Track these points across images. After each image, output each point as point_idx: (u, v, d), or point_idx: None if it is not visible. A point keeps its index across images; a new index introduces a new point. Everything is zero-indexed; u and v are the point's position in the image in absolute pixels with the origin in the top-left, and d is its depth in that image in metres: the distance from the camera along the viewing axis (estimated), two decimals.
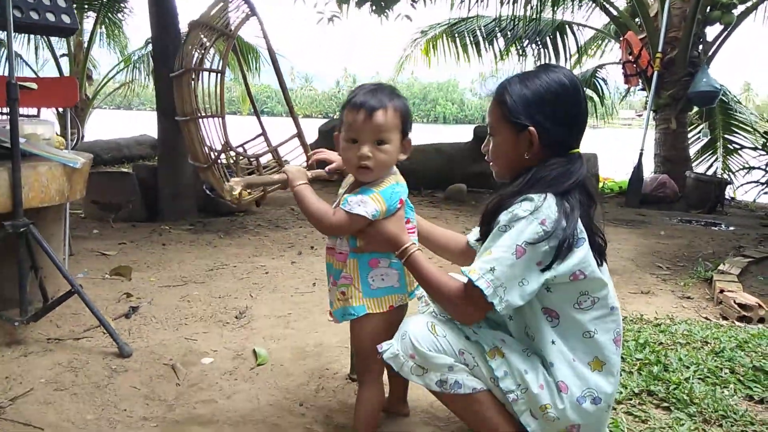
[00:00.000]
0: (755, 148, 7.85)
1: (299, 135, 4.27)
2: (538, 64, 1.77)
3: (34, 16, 2.23)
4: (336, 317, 1.71)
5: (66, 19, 2.38)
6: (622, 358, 2.25)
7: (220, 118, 4.03)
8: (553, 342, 1.47)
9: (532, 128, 1.49)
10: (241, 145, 4.34)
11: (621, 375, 2.10)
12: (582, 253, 1.43)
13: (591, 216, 1.49)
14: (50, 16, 2.29)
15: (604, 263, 1.53)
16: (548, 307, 1.49)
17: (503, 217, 1.43)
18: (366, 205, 1.55)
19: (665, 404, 1.94)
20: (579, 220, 1.43)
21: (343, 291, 1.67)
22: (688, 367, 2.16)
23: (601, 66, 10.01)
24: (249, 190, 4.25)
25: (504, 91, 1.55)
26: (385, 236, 1.59)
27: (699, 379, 2.09)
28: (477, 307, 1.44)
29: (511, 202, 1.45)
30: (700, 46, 8.05)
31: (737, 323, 2.86)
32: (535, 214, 1.40)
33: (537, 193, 1.43)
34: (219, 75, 4.02)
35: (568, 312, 1.48)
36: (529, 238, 1.38)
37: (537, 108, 1.50)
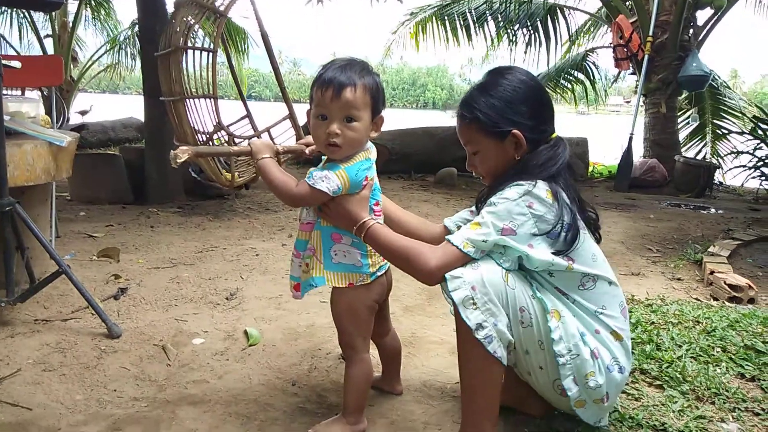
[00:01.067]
0: (743, 133, 7.89)
1: (291, 116, 4.23)
2: (495, 67, 1.75)
3: None
4: (299, 292, 1.72)
5: None
6: None
7: (212, 99, 3.98)
8: (575, 315, 1.53)
9: (515, 131, 1.57)
10: (226, 127, 4.29)
11: None
12: (577, 240, 1.51)
13: (579, 192, 1.58)
14: None
15: (598, 236, 1.63)
16: (558, 287, 1.55)
17: (494, 199, 1.51)
18: (329, 180, 1.54)
19: (658, 382, 1.94)
20: (570, 203, 1.51)
21: (307, 262, 1.68)
22: (680, 346, 2.17)
23: (591, 50, 9.99)
24: (238, 173, 4.22)
25: (472, 109, 1.60)
26: (343, 213, 1.60)
27: (691, 357, 2.10)
28: (447, 262, 1.48)
29: (502, 187, 1.52)
30: (691, 31, 8.05)
31: (728, 303, 2.87)
32: (524, 197, 1.47)
33: (527, 180, 1.50)
34: (211, 54, 3.96)
35: (575, 293, 1.54)
36: (516, 219, 1.46)
37: (512, 111, 1.57)
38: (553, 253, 1.48)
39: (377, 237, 1.58)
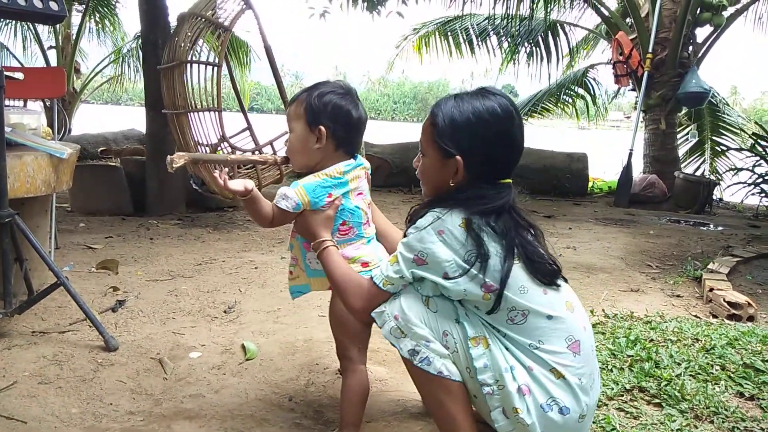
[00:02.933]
0: (742, 150, 7.91)
1: None
2: (479, 88, 1.72)
3: (21, 2, 2.18)
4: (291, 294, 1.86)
5: (53, 6, 2.32)
6: (612, 354, 2.25)
7: (217, 112, 4.00)
8: (507, 348, 1.45)
9: (458, 157, 1.49)
10: (229, 140, 4.30)
11: (612, 371, 2.11)
12: (495, 271, 1.42)
13: (528, 240, 1.49)
14: (37, 3, 2.23)
15: (556, 284, 1.49)
16: (488, 322, 1.47)
17: (409, 228, 1.50)
18: (287, 199, 1.65)
19: (657, 400, 1.93)
20: (501, 241, 1.43)
21: (291, 270, 1.85)
22: (679, 364, 2.16)
23: (592, 66, 10.04)
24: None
25: (438, 112, 1.53)
26: (306, 229, 1.69)
27: (690, 375, 2.09)
28: (370, 302, 1.54)
29: (421, 214, 1.50)
30: (690, 48, 8.11)
31: (727, 321, 2.86)
32: (434, 224, 1.44)
33: (443, 208, 1.46)
34: (216, 68, 3.98)
35: (504, 327, 1.46)
36: (426, 248, 1.43)
37: (466, 136, 1.49)
38: (467, 276, 1.42)
39: (326, 261, 1.64)
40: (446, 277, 1.44)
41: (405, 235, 1.52)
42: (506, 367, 1.41)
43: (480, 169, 1.50)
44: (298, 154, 1.73)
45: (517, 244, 1.45)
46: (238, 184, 1.64)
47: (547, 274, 1.48)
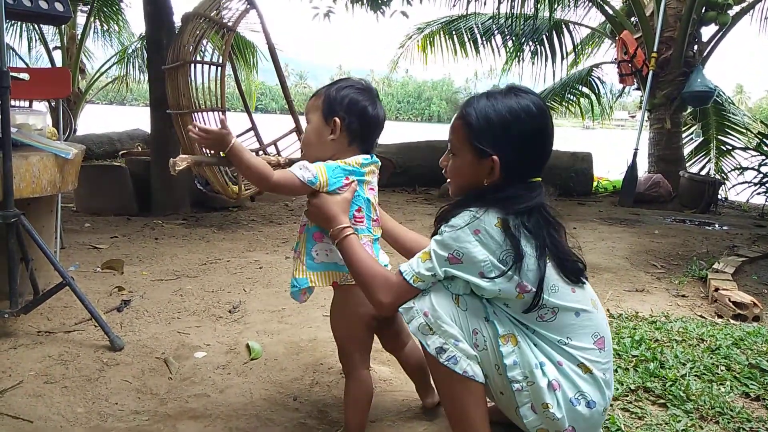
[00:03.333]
0: (747, 149, 7.87)
1: (297, 129, 4.25)
2: (508, 84, 1.67)
3: (27, 3, 2.19)
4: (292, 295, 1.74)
5: (59, 6, 2.34)
6: (617, 354, 2.24)
7: (220, 112, 4.01)
8: (536, 345, 1.47)
9: (495, 157, 1.48)
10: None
11: (617, 372, 2.10)
12: (529, 271, 1.43)
13: (558, 239, 1.49)
14: (43, 4, 2.25)
15: (582, 282, 1.52)
16: (517, 319, 1.49)
17: (444, 226, 1.48)
18: (305, 170, 1.61)
19: (662, 401, 1.93)
20: (533, 241, 1.44)
21: (294, 266, 1.73)
22: (684, 364, 2.15)
23: (596, 65, 10.02)
24: (244, 185, 4.23)
25: (472, 111, 1.52)
26: (323, 212, 1.62)
27: (695, 376, 2.08)
28: (399, 297, 1.50)
29: (455, 213, 1.48)
30: (695, 47, 8.07)
31: (732, 321, 2.85)
32: (471, 224, 1.43)
33: (479, 207, 1.46)
34: (219, 68, 3.99)
35: (534, 324, 1.47)
36: (462, 247, 1.43)
37: (503, 136, 1.48)
38: (505, 277, 1.43)
39: (348, 250, 1.58)
40: (482, 277, 1.44)
41: (438, 233, 1.50)
42: (536, 363, 1.43)
43: (515, 168, 1.50)
44: (312, 146, 1.71)
45: (548, 243, 1.46)
46: (217, 140, 1.60)
47: (575, 272, 1.50)
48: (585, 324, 1.47)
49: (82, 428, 1.75)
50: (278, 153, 4.21)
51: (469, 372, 1.45)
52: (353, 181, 1.66)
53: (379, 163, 1.79)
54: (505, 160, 1.48)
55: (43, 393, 1.94)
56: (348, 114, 1.67)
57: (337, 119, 1.66)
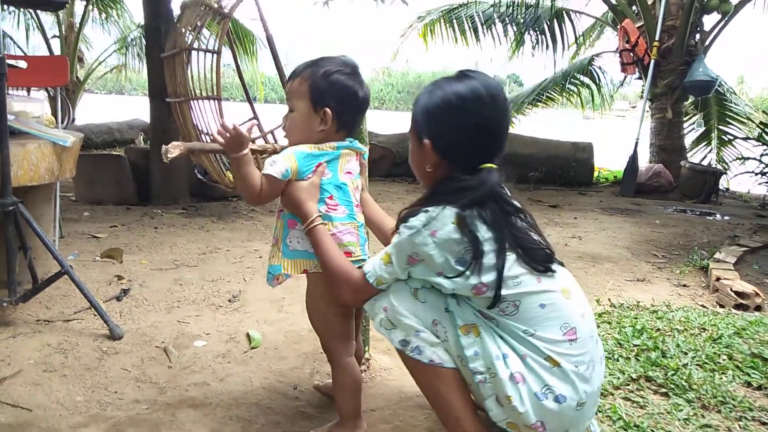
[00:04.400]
0: (749, 139, 7.84)
1: None
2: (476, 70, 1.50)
3: None
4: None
5: None
6: (618, 343, 2.24)
7: (216, 100, 3.98)
8: (501, 337, 1.42)
9: (426, 141, 1.48)
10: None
11: (618, 361, 2.09)
12: (489, 267, 1.38)
13: (519, 228, 1.44)
14: None
15: (552, 270, 1.44)
16: (480, 310, 1.44)
17: (402, 227, 1.45)
18: (275, 164, 1.56)
19: (663, 390, 1.92)
20: (492, 234, 1.39)
21: (271, 253, 1.70)
22: (686, 353, 2.15)
23: (597, 54, 9.96)
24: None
25: (417, 100, 1.53)
26: (292, 199, 1.59)
27: (697, 365, 2.07)
28: (361, 296, 1.52)
29: (412, 212, 1.45)
30: (697, 35, 8.01)
31: (734, 311, 2.85)
32: (428, 225, 1.40)
33: (435, 206, 1.42)
34: (215, 55, 3.96)
35: (497, 315, 1.42)
36: (420, 249, 1.40)
37: (434, 120, 1.48)
38: (462, 278, 1.39)
39: (314, 241, 1.58)
40: (441, 276, 1.42)
41: (398, 234, 1.47)
42: (498, 355, 1.39)
43: (456, 155, 1.48)
44: (298, 134, 1.64)
45: (508, 234, 1.41)
46: (235, 139, 1.55)
47: (542, 260, 1.44)
48: (552, 316, 1.40)
49: (81, 417, 1.75)
50: (275, 141, 4.18)
51: (436, 359, 1.44)
52: (321, 165, 1.61)
53: (363, 150, 1.73)
54: (439, 145, 1.47)
55: (42, 382, 1.94)
56: (339, 103, 1.60)
57: (329, 110, 1.59)
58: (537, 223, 1.53)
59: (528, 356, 1.38)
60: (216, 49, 3.98)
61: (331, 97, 1.59)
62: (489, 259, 1.38)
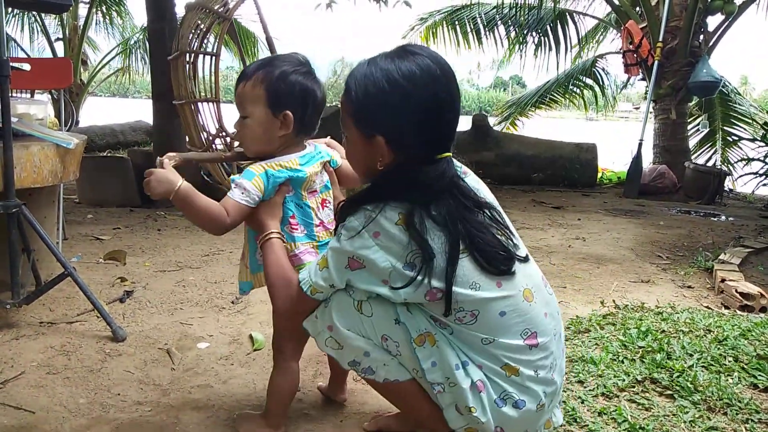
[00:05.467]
0: (754, 140, 7.81)
1: None
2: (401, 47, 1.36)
3: None
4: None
5: None
6: (624, 345, 2.22)
7: (215, 102, 3.99)
8: (456, 345, 1.33)
9: (379, 137, 1.30)
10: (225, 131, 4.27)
11: (623, 363, 2.08)
12: (440, 271, 1.26)
13: (476, 225, 1.30)
14: None
15: (511, 272, 1.32)
16: (435, 317, 1.33)
17: (341, 228, 1.33)
18: (247, 193, 1.50)
19: (669, 392, 1.91)
20: (443, 235, 1.26)
21: (240, 268, 1.71)
22: (691, 355, 2.13)
23: (601, 56, 9.94)
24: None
25: (351, 83, 1.31)
26: (254, 218, 1.55)
27: (702, 367, 2.06)
28: (296, 307, 1.43)
29: (351, 211, 1.31)
30: (701, 36, 7.99)
31: (739, 312, 2.83)
32: (369, 227, 1.26)
33: (375, 203, 1.28)
34: (214, 58, 3.97)
35: (453, 324, 1.31)
36: (361, 255, 1.28)
37: (383, 111, 1.28)
38: (412, 286, 1.27)
39: (265, 253, 1.51)
40: (386, 285, 1.28)
41: (336, 237, 1.33)
42: (457, 364, 1.31)
43: (409, 145, 1.30)
44: (257, 141, 1.55)
45: (463, 234, 1.27)
46: (162, 179, 1.44)
47: (501, 262, 1.30)
48: (512, 323, 1.31)
49: (84, 419, 1.74)
50: (231, 144, 4.14)
51: (391, 377, 1.38)
52: (284, 184, 1.54)
53: (328, 158, 1.65)
54: (392, 138, 1.29)
55: (45, 384, 1.93)
56: (300, 105, 1.52)
57: (289, 113, 1.50)
58: (505, 218, 1.40)
59: (484, 366, 1.32)
60: (214, 51, 3.99)
61: (291, 100, 1.51)
62: (441, 261, 1.25)
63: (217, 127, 3.93)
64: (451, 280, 1.25)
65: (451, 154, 1.34)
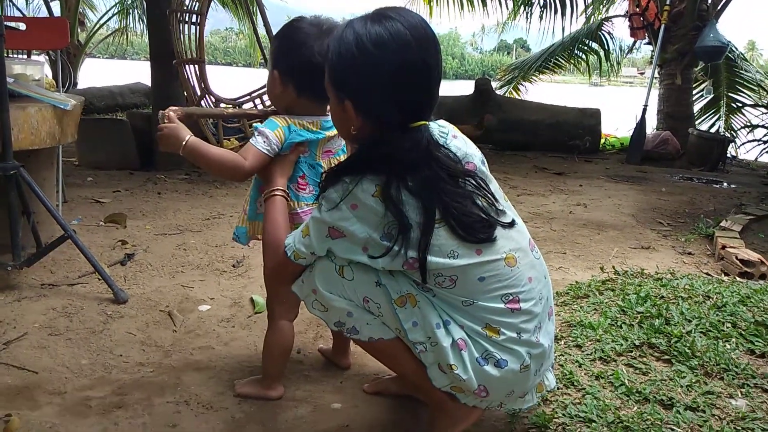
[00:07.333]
0: (758, 106, 7.72)
1: None
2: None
3: None
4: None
5: None
6: (622, 310, 2.23)
7: (197, 65, 3.96)
8: (441, 307, 1.35)
9: (348, 102, 1.30)
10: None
11: (621, 327, 2.09)
12: (417, 241, 1.27)
13: (453, 194, 1.28)
14: None
15: (492, 239, 1.32)
16: (415, 280, 1.35)
17: (321, 199, 1.34)
18: (269, 142, 1.53)
19: (666, 357, 1.92)
20: (418, 202, 1.26)
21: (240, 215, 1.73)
22: (689, 321, 2.14)
23: (607, 19, 9.75)
24: (238, 138, 4.18)
25: (330, 44, 1.32)
26: (266, 173, 1.57)
27: (701, 332, 2.07)
28: (281, 268, 1.45)
29: (331, 182, 1.32)
30: (709, 0, 7.84)
31: (739, 279, 2.84)
32: (346, 199, 1.27)
33: (353, 175, 1.28)
34: (199, 17, 3.92)
35: (434, 288, 1.34)
36: (341, 224, 1.29)
37: (351, 75, 1.28)
38: (390, 255, 1.29)
39: (268, 209, 1.53)
40: (366, 253, 1.31)
41: (317, 207, 1.36)
42: (438, 323, 1.33)
43: (376, 112, 1.30)
44: (270, 94, 1.66)
45: (439, 203, 1.27)
46: (171, 134, 1.50)
47: (479, 231, 1.30)
48: (492, 287, 1.32)
49: (86, 379, 1.76)
50: (264, 107, 4.12)
51: (375, 336, 1.40)
52: (302, 144, 1.58)
53: None
54: (360, 103, 1.30)
55: (48, 345, 1.95)
56: (286, 65, 1.57)
57: (275, 71, 1.57)
58: (489, 184, 1.38)
59: (466, 326, 1.33)
60: (199, 10, 3.93)
61: (279, 58, 1.59)
62: (417, 232, 1.27)
63: (201, 87, 3.91)
64: (426, 251, 1.27)
65: (426, 122, 1.32)
